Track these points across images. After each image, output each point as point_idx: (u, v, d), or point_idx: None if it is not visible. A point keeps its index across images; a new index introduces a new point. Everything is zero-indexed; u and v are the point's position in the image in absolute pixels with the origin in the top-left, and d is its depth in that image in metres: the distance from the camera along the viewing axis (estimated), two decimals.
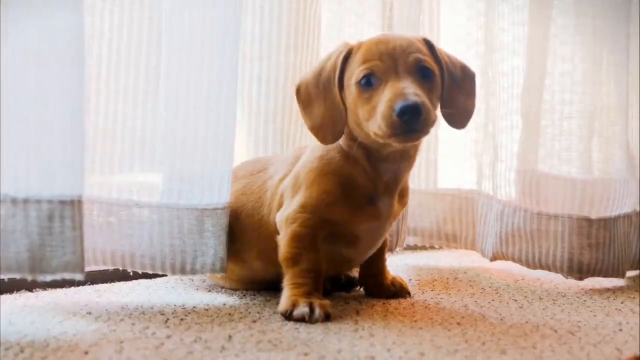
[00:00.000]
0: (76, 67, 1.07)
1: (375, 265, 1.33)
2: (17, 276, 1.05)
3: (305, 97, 1.20)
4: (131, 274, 1.31)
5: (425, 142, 1.69)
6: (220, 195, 1.24)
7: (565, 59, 1.55)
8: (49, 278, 1.05)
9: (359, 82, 1.13)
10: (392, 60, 1.12)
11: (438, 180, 1.75)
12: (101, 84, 1.25)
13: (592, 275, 1.49)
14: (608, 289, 1.46)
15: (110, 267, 1.25)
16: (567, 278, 1.51)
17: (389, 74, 1.12)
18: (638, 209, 1.61)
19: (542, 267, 1.51)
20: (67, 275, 1.06)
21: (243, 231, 1.27)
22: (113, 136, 1.24)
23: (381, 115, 1.09)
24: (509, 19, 1.58)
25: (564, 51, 1.55)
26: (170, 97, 1.22)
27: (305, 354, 0.95)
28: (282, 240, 1.19)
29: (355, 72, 1.14)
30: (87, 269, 1.34)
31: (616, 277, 1.51)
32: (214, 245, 1.23)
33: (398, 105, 1.06)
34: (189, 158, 1.23)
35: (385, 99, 1.09)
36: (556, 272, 1.50)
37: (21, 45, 1.04)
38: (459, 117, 1.22)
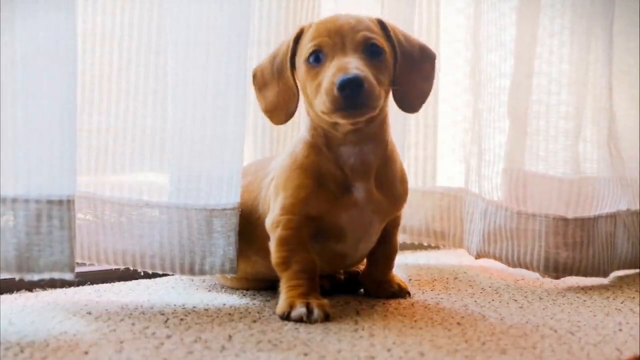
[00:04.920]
0: (67, 67, 1.07)
1: (378, 268, 1.32)
2: (5, 275, 1.06)
3: (261, 81, 1.23)
4: (132, 271, 1.31)
5: (414, 140, 1.71)
6: (229, 195, 1.24)
7: (553, 58, 1.55)
8: (36, 277, 1.06)
9: (307, 59, 1.15)
10: (340, 37, 1.14)
11: (436, 179, 1.75)
12: (112, 84, 1.26)
13: (570, 274, 1.49)
14: (608, 289, 1.46)
15: (122, 267, 1.26)
16: (543, 277, 1.52)
17: (336, 50, 1.13)
18: (634, 208, 1.61)
19: (520, 266, 1.52)
20: (56, 275, 1.06)
21: (246, 226, 1.27)
22: (124, 135, 1.25)
23: (324, 91, 1.10)
24: (497, 21, 1.57)
25: (552, 50, 1.55)
26: (178, 95, 1.23)
27: (305, 354, 0.95)
28: (272, 246, 1.19)
29: (304, 49, 1.16)
30: (89, 268, 1.35)
31: (597, 276, 1.51)
32: (222, 246, 1.23)
33: (338, 79, 1.07)
34: (198, 157, 1.23)
35: (328, 74, 1.10)
36: (533, 270, 1.51)
37: (9, 43, 1.04)
38: (412, 99, 1.22)
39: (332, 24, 1.15)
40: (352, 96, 1.07)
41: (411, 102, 1.23)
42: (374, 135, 1.20)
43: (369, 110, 1.11)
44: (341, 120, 1.14)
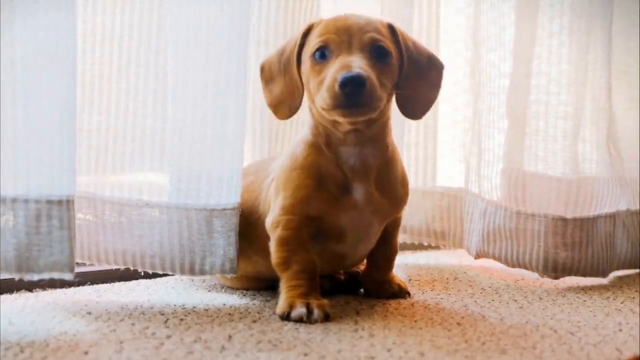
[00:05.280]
0: (67, 67, 1.07)
1: (378, 268, 1.32)
2: (5, 275, 1.06)
3: (268, 74, 1.23)
4: (132, 271, 1.31)
5: (414, 139, 1.71)
6: (229, 195, 1.24)
7: (552, 58, 1.55)
8: (36, 277, 1.06)
9: (313, 55, 1.15)
10: (347, 36, 1.14)
11: (437, 179, 1.75)
12: (112, 84, 1.25)
13: (569, 274, 1.50)
14: (608, 289, 1.46)
15: (122, 267, 1.26)
16: (542, 277, 1.52)
17: (342, 48, 1.13)
18: (633, 208, 1.61)
19: (519, 266, 1.52)
20: (56, 275, 1.06)
21: (246, 226, 1.27)
22: (124, 135, 1.25)
23: (326, 87, 1.10)
24: (497, 21, 1.57)
25: (551, 50, 1.55)
26: (178, 95, 1.23)
27: (305, 354, 0.95)
28: (271, 246, 1.19)
29: (311, 45, 1.16)
30: (89, 268, 1.35)
31: (596, 276, 1.52)
32: (223, 246, 1.24)
33: (341, 76, 1.07)
34: (198, 157, 1.23)
35: (332, 70, 1.11)
36: (532, 270, 1.51)
37: (9, 43, 1.03)
38: (416, 106, 1.22)
39: (341, 22, 1.15)
40: (352, 94, 1.08)
41: (414, 108, 1.23)
42: (375, 138, 1.20)
43: (369, 111, 1.11)
44: (340, 118, 1.14)
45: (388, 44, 1.16)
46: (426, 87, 1.23)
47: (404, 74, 1.19)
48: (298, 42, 1.19)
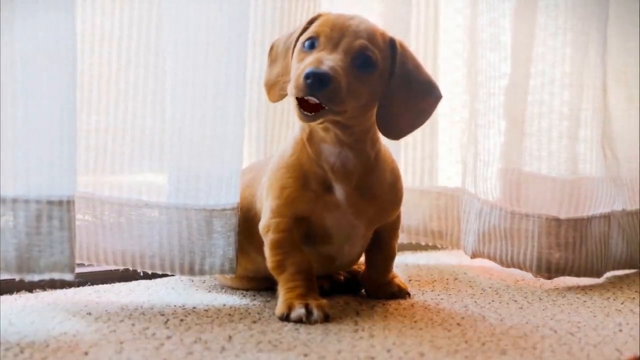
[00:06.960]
0: (67, 67, 1.07)
1: (377, 270, 1.32)
2: (5, 275, 1.06)
3: (274, 55, 1.24)
4: (131, 272, 1.31)
5: (412, 139, 1.70)
6: (229, 196, 1.24)
7: (549, 59, 1.55)
8: (36, 278, 1.05)
9: (303, 43, 1.15)
10: (339, 35, 1.13)
11: (435, 179, 1.75)
12: (111, 85, 1.25)
13: (562, 274, 1.50)
14: (608, 290, 1.46)
15: (121, 267, 1.26)
16: (536, 277, 1.52)
17: (329, 44, 1.12)
18: (629, 209, 1.62)
19: (514, 266, 1.52)
20: (56, 275, 1.06)
21: (245, 223, 1.27)
22: (123, 135, 1.25)
23: (295, 75, 1.10)
24: (495, 22, 1.57)
25: (549, 51, 1.55)
26: (177, 95, 1.23)
27: (305, 355, 0.95)
28: (266, 250, 1.20)
29: (306, 33, 1.16)
30: (89, 269, 1.35)
31: (590, 277, 1.52)
32: (222, 246, 1.24)
33: (308, 69, 1.07)
34: (197, 157, 1.23)
35: (306, 61, 1.10)
36: (526, 270, 1.51)
37: (9, 43, 1.03)
38: (394, 126, 1.19)
39: (341, 20, 1.14)
40: (312, 88, 1.06)
41: (391, 127, 1.19)
42: (353, 145, 1.18)
43: (329, 113, 1.09)
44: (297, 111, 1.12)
45: (377, 55, 1.13)
46: (412, 111, 1.20)
47: (390, 91, 1.16)
48: (301, 29, 1.19)
